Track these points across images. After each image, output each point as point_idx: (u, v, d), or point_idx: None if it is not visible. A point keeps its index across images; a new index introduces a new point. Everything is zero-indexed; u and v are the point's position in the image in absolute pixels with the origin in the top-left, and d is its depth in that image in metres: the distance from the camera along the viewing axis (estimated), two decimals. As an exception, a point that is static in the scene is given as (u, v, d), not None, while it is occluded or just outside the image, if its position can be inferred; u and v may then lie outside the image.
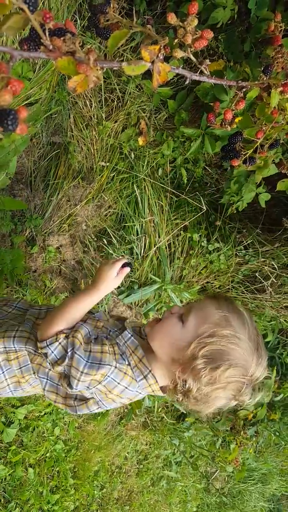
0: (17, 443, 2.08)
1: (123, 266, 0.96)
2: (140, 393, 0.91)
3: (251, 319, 0.86)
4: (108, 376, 0.85)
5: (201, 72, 0.64)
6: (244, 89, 0.78)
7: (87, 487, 2.46)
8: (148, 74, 1.87)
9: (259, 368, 0.84)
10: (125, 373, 0.87)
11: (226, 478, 3.48)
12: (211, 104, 1.56)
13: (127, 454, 2.79)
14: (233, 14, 1.57)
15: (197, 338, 0.82)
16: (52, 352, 0.86)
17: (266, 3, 1.53)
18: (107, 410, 2.47)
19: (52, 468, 2.26)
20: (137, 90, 1.81)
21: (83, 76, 0.43)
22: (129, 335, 0.92)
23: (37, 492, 2.16)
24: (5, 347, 0.94)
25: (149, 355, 0.90)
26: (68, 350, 0.85)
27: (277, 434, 2.86)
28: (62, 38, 0.41)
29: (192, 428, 2.91)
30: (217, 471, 3.35)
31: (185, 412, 2.83)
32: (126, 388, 0.88)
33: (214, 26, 1.64)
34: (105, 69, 0.46)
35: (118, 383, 0.87)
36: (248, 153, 0.92)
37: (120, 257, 0.96)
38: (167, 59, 0.61)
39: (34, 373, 0.95)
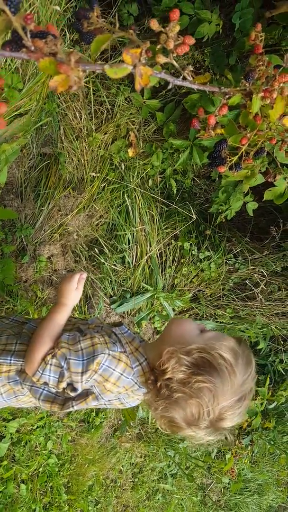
0: (9, 458, 2.04)
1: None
2: (135, 382, 0.91)
3: (254, 377, 0.87)
4: (103, 364, 0.87)
5: (184, 78, 0.66)
6: (227, 96, 0.81)
7: (81, 502, 2.41)
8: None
9: (230, 416, 0.84)
10: (119, 360, 0.88)
11: (222, 490, 3.44)
12: (194, 114, 1.61)
13: (121, 467, 2.75)
14: (218, 28, 1.63)
15: (203, 344, 0.85)
16: (49, 376, 0.87)
17: (249, 18, 1.59)
18: (100, 422, 2.45)
19: (45, 484, 2.21)
20: (126, 102, 1.85)
21: (64, 76, 0.45)
22: (126, 329, 0.96)
23: (30, 509, 2.11)
24: None
25: (145, 344, 0.94)
26: (62, 363, 0.86)
27: (272, 443, 2.84)
28: (43, 40, 0.43)
29: (186, 439, 2.88)
30: (213, 483, 3.31)
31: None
32: (121, 374, 0.89)
33: (200, 40, 1.70)
34: (87, 71, 0.49)
35: (114, 370, 0.88)
36: (233, 159, 0.95)
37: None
38: (152, 66, 0.63)
39: (22, 387, 0.96)
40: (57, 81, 0.51)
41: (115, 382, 0.89)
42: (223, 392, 0.82)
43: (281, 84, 0.65)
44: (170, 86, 0.67)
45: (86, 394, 0.92)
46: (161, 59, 0.58)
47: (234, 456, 3.02)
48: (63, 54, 0.44)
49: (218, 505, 3.38)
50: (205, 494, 3.31)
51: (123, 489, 2.80)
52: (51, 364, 0.86)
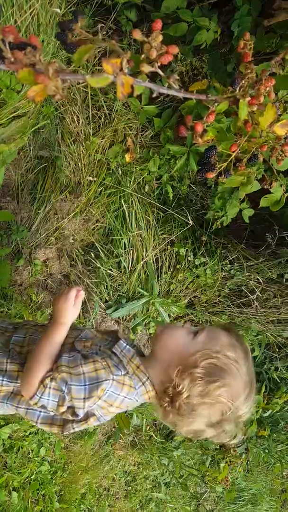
0: (1, 464, 2.02)
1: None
2: (137, 400, 0.91)
3: (251, 359, 0.91)
4: (108, 390, 0.85)
5: (170, 86, 0.67)
6: (216, 103, 0.82)
7: (74, 511, 2.39)
8: (132, 95, 1.92)
9: (245, 404, 0.87)
10: (123, 384, 0.87)
11: (216, 500, 3.40)
12: (186, 123, 1.62)
13: (115, 476, 2.72)
14: (216, 36, 1.64)
15: (204, 350, 0.86)
16: (48, 400, 0.84)
17: (247, 26, 1.61)
18: (94, 429, 2.43)
19: (37, 492, 2.19)
20: (124, 107, 1.86)
21: (41, 86, 0.46)
22: (124, 344, 0.93)
23: (21, 518, 2.09)
24: None
25: (145, 361, 0.92)
26: (63, 388, 0.83)
27: (267, 451, 2.82)
28: (23, 51, 0.44)
29: (181, 447, 2.86)
30: (207, 492, 3.28)
31: (174, 430, 2.79)
32: (125, 397, 0.88)
33: (198, 47, 1.71)
34: (69, 81, 0.49)
35: (118, 395, 0.87)
36: (222, 166, 0.95)
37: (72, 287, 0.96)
38: (137, 75, 0.64)
39: (16, 410, 0.94)
40: (35, 91, 0.51)
41: (119, 405, 0.89)
42: (237, 387, 0.85)
43: (267, 88, 0.66)
44: (154, 94, 0.67)
45: (87, 415, 0.89)
46: (146, 68, 0.58)
47: (228, 465, 2.99)
48: (42, 64, 0.45)
49: (212, 515, 3.34)
50: (199, 504, 3.28)
51: (116, 498, 2.77)
52: (50, 388, 0.83)
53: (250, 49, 0.76)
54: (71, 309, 0.91)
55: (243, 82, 0.73)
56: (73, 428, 0.89)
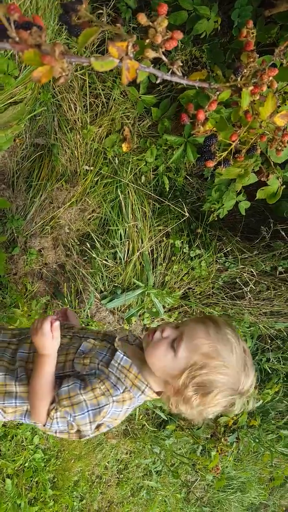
0: (-5, 451, 2.03)
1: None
2: (140, 403, 0.98)
3: (237, 338, 0.90)
4: (110, 410, 0.91)
5: (173, 73, 0.66)
6: (217, 92, 0.81)
7: (67, 498, 2.41)
8: (132, 81, 1.90)
9: (247, 382, 0.89)
10: (123, 401, 0.92)
11: (206, 487, 3.46)
12: (187, 111, 1.61)
13: (107, 464, 2.75)
14: (216, 25, 1.62)
15: (189, 369, 0.87)
16: (58, 426, 0.92)
17: (248, 15, 1.59)
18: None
19: (31, 479, 2.21)
20: (122, 96, 1.84)
21: (48, 67, 0.45)
22: (121, 355, 0.95)
23: (15, 504, 2.11)
24: (3, 403, 0.98)
25: (143, 368, 0.95)
26: (68, 418, 0.91)
27: (257, 440, 2.87)
28: (28, 31, 0.43)
29: (172, 436, 2.89)
30: (197, 480, 3.33)
31: (166, 419, 2.82)
32: (128, 408, 0.95)
33: (198, 37, 1.69)
34: (74, 63, 0.48)
35: (120, 410, 0.93)
36: (222, 155, 0.95)
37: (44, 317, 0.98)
38: (141, 60, 0.63)
39: (35, 424, 0.99)
40: (41, 72, 0.50)
41: (124, 415, 0.96)
42: (233, 378, 0.87)
43: (270, 78, 0.65)
44: (158, 81, 0.66)
45: (98, 426, 0.95)
46: (150, 53, 0.58)
47: (219, 453, 3.04)
48: (47, 45, 0.44)
49: (202, 502, 3.40)
50: (189, 491, 3.33)
51: (108, 485, 2.81)
52: (57, 418, 0.91)
53: (252, 38, 0.76)
54: (50, 341, 0.92)
55: (245, 71, 0.73)
56: (89, 435, 0.96)
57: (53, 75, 0.53)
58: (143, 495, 2.99)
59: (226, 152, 0.93)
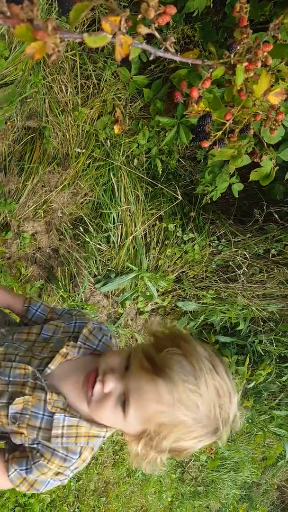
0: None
1: None
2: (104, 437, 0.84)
3: (203, 375, 0.68)
4: (70, 476, 0.83)
5: (166, 49, 0.65)
6: (211, 69, 0.81)
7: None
8: (123, 61, 1.87)
9: (228, 420, 0.71)
10: (83, 460, 0.81)
11: (200, 467, 3.55)
12: (181, 89, 1.59)
13: (103, 445, 2.80)
14: (208, 3, 1.60)
15: (145, 438, 0.72)
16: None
17: (240, -6, 1.56)
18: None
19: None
20: (113, 77, 1.82)
21: (41, 43, 0.44)
22: (61, 417, 0.78)
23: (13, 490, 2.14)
24: None
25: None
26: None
27: (250, 421, 2.94)
28: (20, 6, 0.42)
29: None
30: (192, 460, 3.41)
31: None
32: (93, 452, 0.83)
33: (190, 15, 1.67)
34: (66, 40, 0.48)
35: (84, 461, 0.82)
36: (217, 135, 0.95)
37: None
38: (134, 36, 0.62)
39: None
40: (34, 48, 0.50)
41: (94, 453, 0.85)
42: (205, 429, 0.70)
43: (265, 53, 0.65)
44: (151, 57, 0.66)
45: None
46: (143, 29, 0.57)
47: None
48: (39, 21, 0.43)
49: (196, 482, 3.50)
50: (184, 471, 3.42)
51: (104, 466, 2.87)
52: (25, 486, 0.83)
53: (246, 13, 0.75)
54: None
55: (239, 47, 0.72)
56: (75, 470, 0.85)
57: (46, 52, 0.52)
58: (138, 476, 3.07)
59: (220, 132, 0.93)
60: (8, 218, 1.67)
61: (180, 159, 2.26)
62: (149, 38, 0.67)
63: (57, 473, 0.80)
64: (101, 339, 0.86)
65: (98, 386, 0.73)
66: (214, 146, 0.93)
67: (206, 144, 0.92)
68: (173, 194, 2.13)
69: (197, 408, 0.68)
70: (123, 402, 0.72)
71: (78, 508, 2.60)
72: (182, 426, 0.68)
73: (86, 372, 0.78)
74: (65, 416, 0.78)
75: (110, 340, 0.87)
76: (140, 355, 0.72)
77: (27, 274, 1.86)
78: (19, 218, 1.72)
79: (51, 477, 0.81)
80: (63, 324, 0.89)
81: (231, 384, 0.72)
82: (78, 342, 0.83)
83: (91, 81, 1.75)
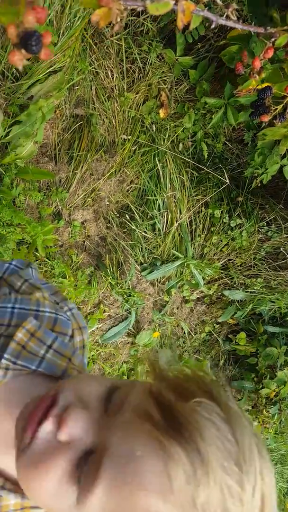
0: None
1: None
2: None
3: (258, 472, 0.37)
4: None
5: (228, 17, 0.62)
6: (272, 38, 0.76)
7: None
8: (168, 43, 1.84)
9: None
10: None
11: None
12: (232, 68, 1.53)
13: None
14: (257, -25, 1.52)
15: None
16: None
17: None
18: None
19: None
20: (158, 60, 1.79)
21: (105, 9, 0.44)
22: None
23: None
24: None
25: None
26: None
27: (300, 412, 2.85)
28: None
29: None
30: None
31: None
32: None
33: (237, -10, 1.59)
34: (129, 8, 0.47)
35: None
36: (278, 109, 0.90)
37: None
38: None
39: None
40: (99, 15, 0.49)
41: None
42: None
43: None
44: (213, 25, 0.63)
45: None
46: (204, -3, 0.54)
47: (261, 425, 3.06)
48: None
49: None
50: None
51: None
52: None
53: None
54: None
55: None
56: None
57: (110, 19, 0.51)
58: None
59: (280, 106, 0.88)
60: (60, 207, 1.71)
61: (227, 142, 2.20)
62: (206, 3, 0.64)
63: None
64: (51, 345, 0.50)
65: (48, 425, 0.38)
66: (274, 120, 0.89)
67: (266, 118, 0.88)
68: (220, 178, 2.08)
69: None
70: (86, 472, 0.36)
71: None
72: None
73: (24, 403, 0.42)
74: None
75: (75, 352, 0.52)
76: (144, 395, 0.39)
77: (78, 261, 1.90)
78: (70, 207, 1.75)
79: None
80: None
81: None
82: (3, 361, 0.48)
83: (137, 65, 1.74)
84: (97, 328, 2.17)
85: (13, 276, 0.59)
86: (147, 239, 2.18)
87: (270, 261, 2.41)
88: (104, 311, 2.15)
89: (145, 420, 0.37)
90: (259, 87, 1.16)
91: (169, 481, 0.34)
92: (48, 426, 0.38)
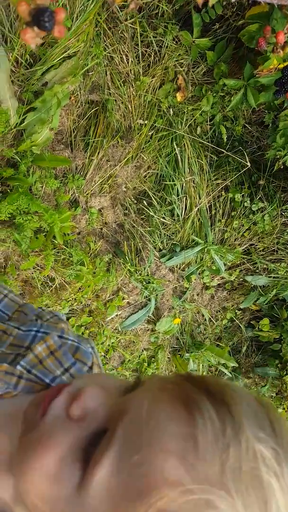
0: None
1: None
2: None
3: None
4: None
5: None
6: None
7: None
8: (184, 25, 1.79)
9: None
10: None
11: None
12: (253, 47, 1.48)
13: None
14: None
15: None
16: None
17: None
18: (152, 373, 2.52)
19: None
20: (174, 43, 1.75)
21: None
22: None
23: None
24: None
25: None
26: None
27: None
28: None
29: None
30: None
31: (230, 376, 2.84)
32: None
33: None
34: None
35: None
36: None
37: None
38: None
39: None
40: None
41: None
42: None
43: None
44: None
45: None
46: None
47: (286, 412, 3.03)
48: None
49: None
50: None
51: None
52: None
53: None
54: None
55: None
56: None
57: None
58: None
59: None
60: (77, 194, 1.72)
61: (246, 125, 2.14)
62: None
63: None
64: (68, 369, 0.49)
65: (60, 398, 0.37)
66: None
67: None
68: (240, 161, 2.03)
69: (264, 504, 0.30)
70: (95, 452, 0.33)
71: None
72: None
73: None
74: None
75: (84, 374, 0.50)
76: (163, 380, 0.36)
77: (96, 249, 1.91)
78: (87, 194, 1.76)
79: None
80: (16, 331, 0.53)
81: None
82: (18, 367, 0.47)
83: (152, 49, 1.71)
84: (117, 315, 2.20)
85: (44, 312, 0.60)
86: (165, 225, 2.17)
87: (294, 246, 2.36)
88: (123, 298, 2.17)
89: (170, 382, 0.34)
90: (281, 65, 1.12)
91: (194, 442, 0.29)
92: (60, 400, 0.36)
